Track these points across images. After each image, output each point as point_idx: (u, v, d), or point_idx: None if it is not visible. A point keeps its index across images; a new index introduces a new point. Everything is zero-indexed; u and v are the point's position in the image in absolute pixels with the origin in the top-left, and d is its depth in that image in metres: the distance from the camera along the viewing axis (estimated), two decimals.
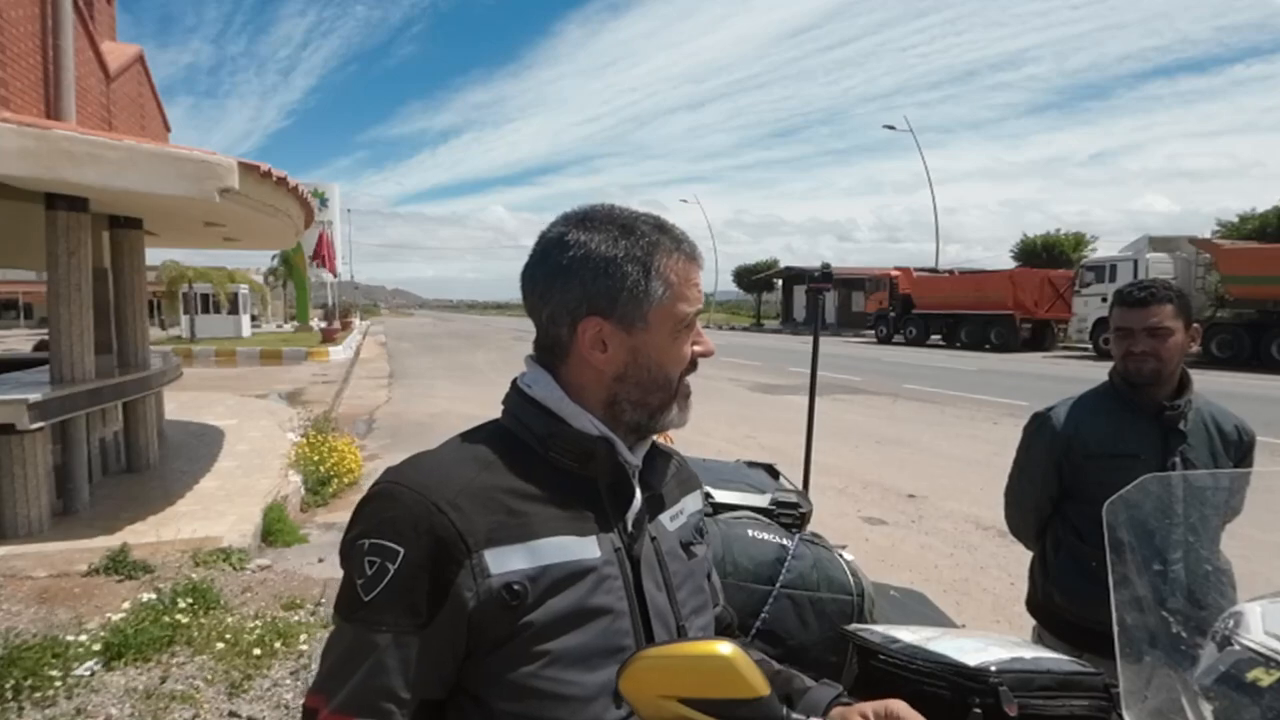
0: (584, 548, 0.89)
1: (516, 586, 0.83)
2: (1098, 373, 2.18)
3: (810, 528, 1.56)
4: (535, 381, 0.96)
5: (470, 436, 0.96)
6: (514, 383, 0.99)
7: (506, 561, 0.84)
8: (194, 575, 4.45)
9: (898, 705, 0.86)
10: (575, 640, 0.86)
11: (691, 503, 1.08)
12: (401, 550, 0.82)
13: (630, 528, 0.94)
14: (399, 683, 0.82)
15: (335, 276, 37.27)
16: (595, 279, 0.91)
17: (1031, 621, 2.23)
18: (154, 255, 30.47)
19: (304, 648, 3.63)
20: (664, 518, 1.01)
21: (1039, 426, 2.12)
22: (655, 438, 1.03)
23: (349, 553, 0.86)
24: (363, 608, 0.83)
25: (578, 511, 0.90)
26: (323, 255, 32.44)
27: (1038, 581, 2.16)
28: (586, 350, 0.93)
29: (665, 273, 0.92)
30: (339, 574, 0.89)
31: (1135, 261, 22.73)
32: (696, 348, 0.97)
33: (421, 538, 0.82)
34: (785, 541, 1.44)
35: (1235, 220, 29.96)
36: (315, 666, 3.44)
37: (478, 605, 0.83)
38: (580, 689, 0.85)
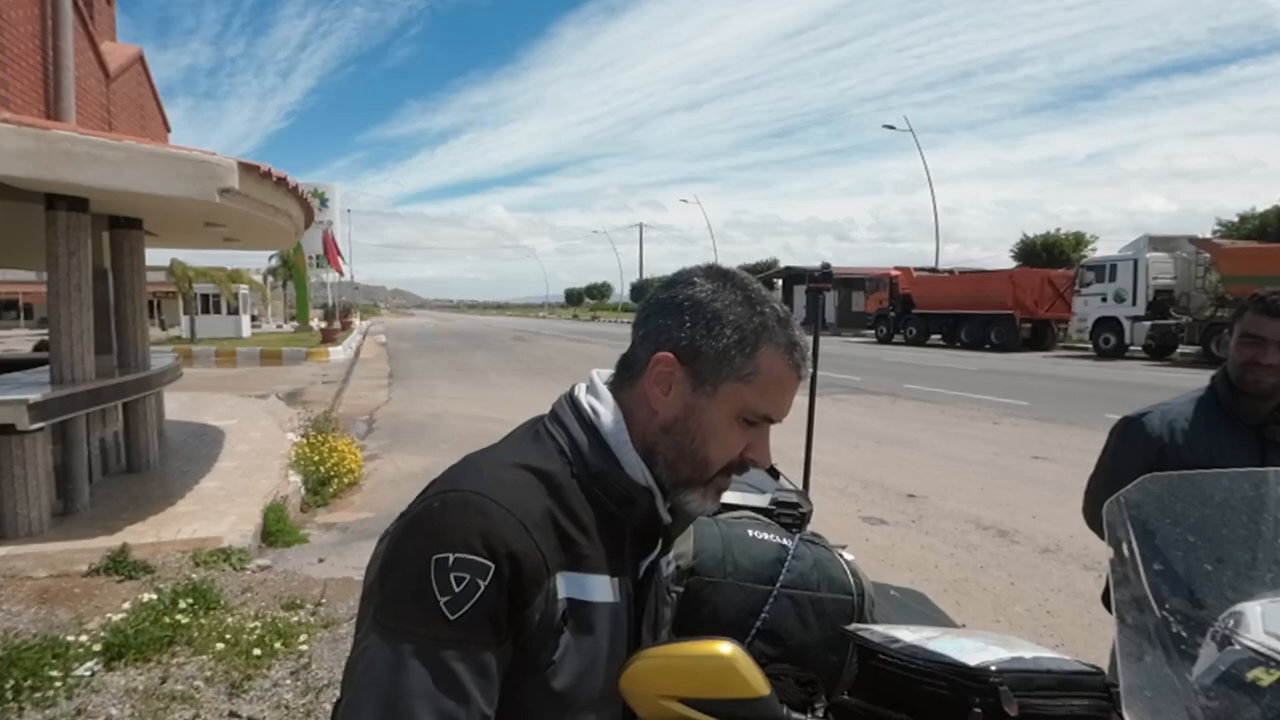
0: (611, 589, 0.89)
1: (567, 612, 0.83)
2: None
3: (810, 528, 1.55)
4: (602, 409, 0.93)
5: (528, 452, 0.91)
6: (575, 396, 0.96)
7: (565, 588, 0.84)
8: (194, 575, 4.45)
9: None
10: (589, 682, 0.86)
11: (679, 545, 1.11)
12: (492, 567, 0.79)
13: (642, 574, 0.95)
14: (483, 701, 0.78)
15: (341, 275, 37.31)
16: (695, 324, 0.90)
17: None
18: (159, 255, 30.46)
19: (304, 648, 3.63)
20: (662, 561, 1.01)
21: (1131, 431, 2.06)
22: None
23: (425, 568, 0.79)
24: (449, 626, 0.77)
25: (609, 550, 0.90)
26: (332, 255, 32.55)
27: None
28: (650, 382, 0.91)
29: (761, 359, 0.90)
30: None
31: (1135, 261, 22.74)
32: (751, 454, 0.93)
33: (514, 557, 0.80)
34: (785, 541, 1.44)
35: (1235, 220, 29.97)
36: (315, 667, 3.46)
37: (537, 628, 0.82)
38: None
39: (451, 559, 0.78)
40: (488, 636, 0.79)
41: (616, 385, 0.95)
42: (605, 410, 0.93)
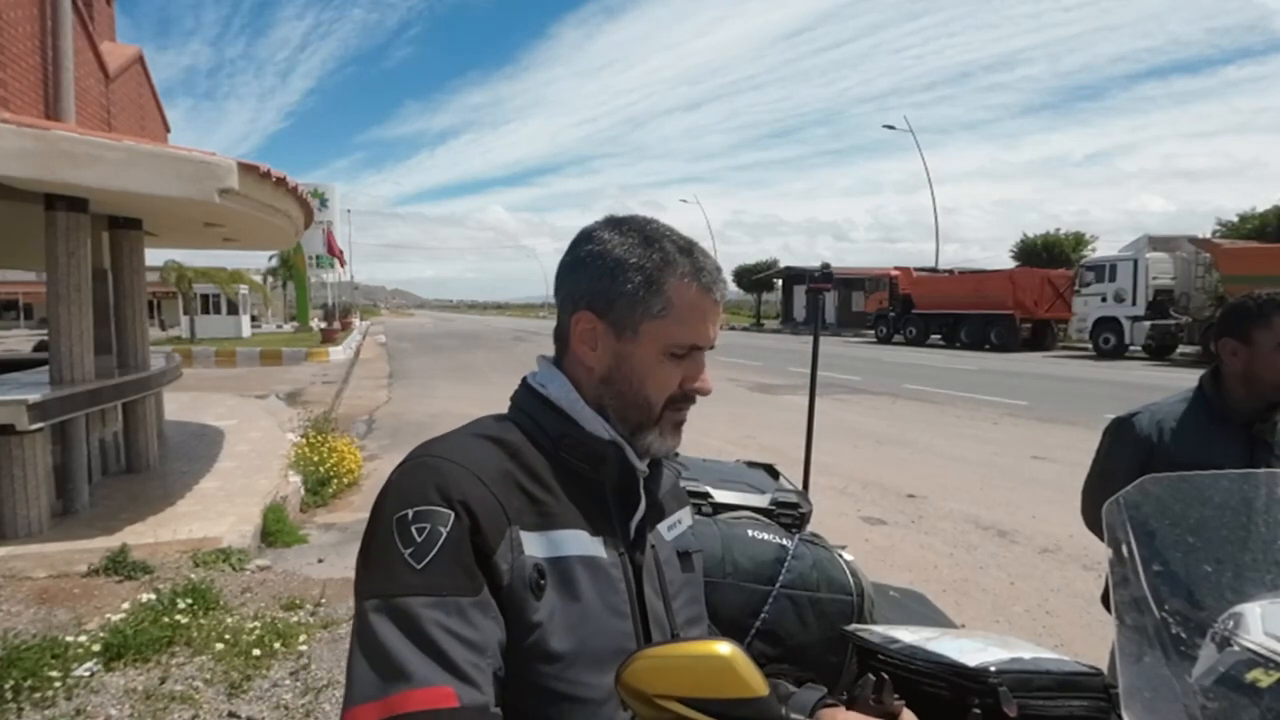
0: (595, 546, 0.89)
1: (541, 567, 0.83)
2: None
3: (810, 528, 1.55)
4: (549, 381, 0.97)
5: (486, 427, 0.94)
6: (525, 381, 0.99)
7: (532, 545, 0.84)
8: (194, 576, 4.45)
9: None
10: (591, 642, 0.85)
11: (686, 516, 1.09)
12: (451, 514, 0.80)
13: (633, 534, 0.95)
14: (473, 644, 0.76)
15: (341, 266, 37.38)
16: (600, 276, 0.92)
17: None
18: (159, 255, 30.46)
19: (303, 648, 3.63)
20: (662, 526, 1.02)
21: (1122, 432, 2.08)
22: None
23: (387, 529, 0.81)
24: (416, 575, 0.77)
25: (588, 511, 0.91)
26: (334, 252, 32.72)
27: None
28: (577, 343, 0.95)
29: (670, 293, 0.91)
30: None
31: (1135, 261, 22.75)
32: (693, 384, 0.95)
33: (470, 503, 0.81)
34: (785, 541, 1.44)
35: (1235, 220, 29.94)
36: (315, 667, 3.46)
37: (510, 582, 0.81)
38: (594, 691, 0.85)
39: (410, 513, 0.80)
40: (461, 583, 0.78)
41: (558, 358, 0.99)
42: (551, 380, 0.97)
